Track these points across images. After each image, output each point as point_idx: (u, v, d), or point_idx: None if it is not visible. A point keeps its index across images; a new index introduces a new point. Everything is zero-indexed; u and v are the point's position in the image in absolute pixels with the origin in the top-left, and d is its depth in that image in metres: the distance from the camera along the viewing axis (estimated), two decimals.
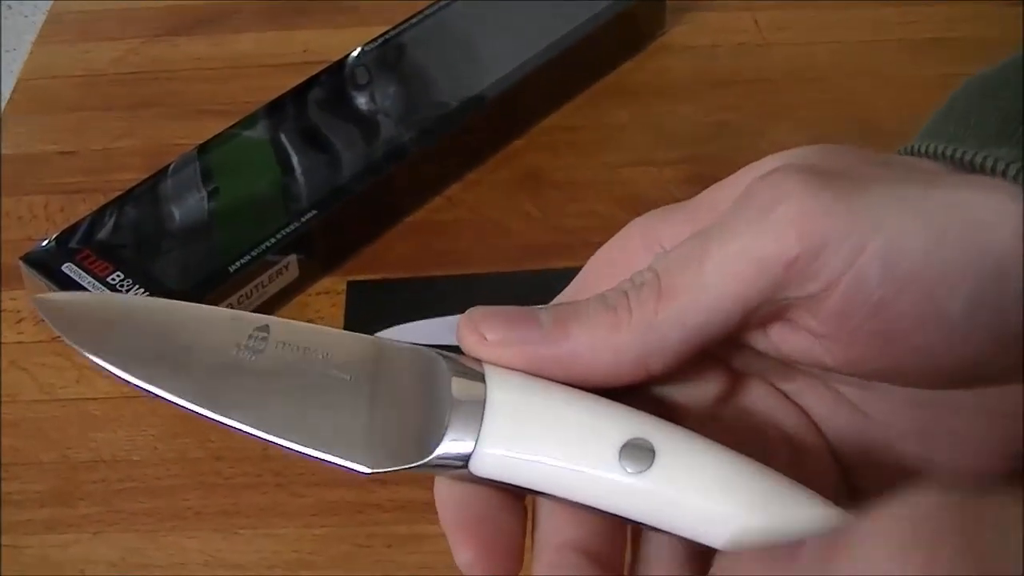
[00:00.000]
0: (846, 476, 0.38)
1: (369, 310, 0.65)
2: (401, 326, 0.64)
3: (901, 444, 0.37)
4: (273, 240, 0.64)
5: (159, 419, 0.61)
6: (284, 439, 0.34)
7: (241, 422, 0.34)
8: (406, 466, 0.34)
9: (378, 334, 0.63)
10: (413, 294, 0.66)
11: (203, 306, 0.37)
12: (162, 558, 0.57)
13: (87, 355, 0.35)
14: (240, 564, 0.57)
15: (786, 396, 0.39)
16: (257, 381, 0.35)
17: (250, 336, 0.35)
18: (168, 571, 0.57)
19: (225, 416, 0.34)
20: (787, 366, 0.37)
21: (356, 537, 0.57)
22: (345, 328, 0.63)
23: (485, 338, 0.35)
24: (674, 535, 0.34)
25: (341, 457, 0.34)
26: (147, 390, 0.34)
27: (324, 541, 0.57)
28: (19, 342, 0.66)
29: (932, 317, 0.33)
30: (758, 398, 0.38)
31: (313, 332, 0.36)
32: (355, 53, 0.74)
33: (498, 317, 0.36)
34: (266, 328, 0.35)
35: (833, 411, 0.38)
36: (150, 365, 0.35)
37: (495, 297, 0.64)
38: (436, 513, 0.36)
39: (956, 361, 0.34)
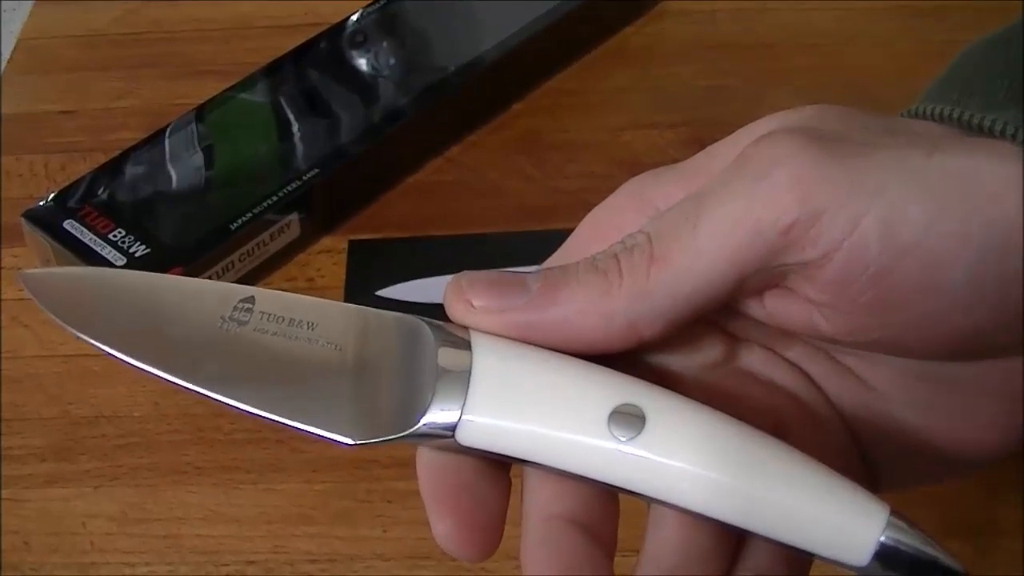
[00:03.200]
0: (856, 441, 0.37)
1: (370, 269, 0.65)
2: (401, 284, 0.64)
3: (902, 414, 0.37)
4: (274, 199, 0.64)
5: None
6: (267, 411, 0.34)
7: (223, 395, 0.34)
8: (391, 437, 0.33)
9: (378, 292, 0.63)
10: (413, 253, 0.66)
11: (189, 279, 0.36)
12: (162, 512, 0.58)
13: (70, 330, 0.34)
14: (240, 519, 0.57)
15: (787, 361, 0.37)
16: (241, 353, 0.34)
17: (235, 307, 0.35)
18: (168, 525, 0.57)
19: (207, 389, 0.34)
20: (786, 334, 0.36)
21: (356, 493, 0.58)
22: (346, 286, 0.64)
23: (472, 305, 0.34)
24: (665, 504, 0.33)
25: (324, 429, 0.33)
26: (130, 364, 0.34)
27: (324, 496, 0.58)
28: (20, 299, 0.66)
29: (933, 288, 0.32)
30: (759, 362, 0.37)
31: (299, 303, 0.35)
32: (355, 16, 0.74)
33: (485, 283, 0.35)
34: (251, 299, 0.35)
35: (834, 379, 0.37)
36: (133, 338, 0.34)
37: (494, 256, 0.65)
38: None
39: (957, 333, 0.33)
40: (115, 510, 0.58)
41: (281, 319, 0.35)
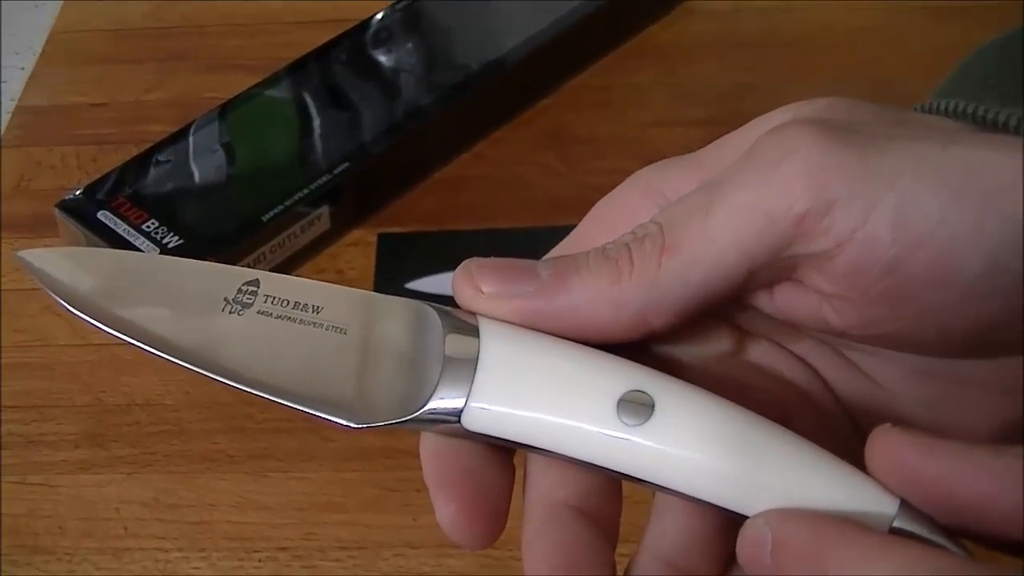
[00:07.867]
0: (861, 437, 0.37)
1: (398, 261, 0.66)
2: (430, 277, 0.64)
3: (907, 410, 0.37)
4: (305, 191, 0.65)
5: None
6: (267, 392, 0.33)
7: (224, 376, 0.33)
8: (396, 420, 0.33)
9: (407, 285, 0.64)
10: (441, 246, 0.67)
11: (193, 260, 0.36)
12: (194, 499, 0.58)
13: (68, 308, 0.34)
14: (270, 507, 0.58)
15: (794, 355, 0.38)
16: (244, 334, 0.34)
17: (239, 290, 0.35)
18: (200, 512, 0.58)
19: (207, 370, 0.33)
20: (794, 328, 0.36)
21: (386, 481, 0.58)
22: (375, 278, 0.65)
23: (480, 291, 0.35)
24: (671, 492, 0.33)
25: (326, 412, 0.33)
26: (130, 343, 0.34)
27: (354, 485, 0.58)
28: None
29: (946, 280, 0.32)
30: (766, 356, 0.37)
31: (304, 286, 0.35)
32: (380, 14, 0.75)
33: (494, 269, 0.35)
34: (256, 282, 0.35)
35: (842, 374, 0.37)
36: (133, 318, 0.34)
37: (522, 250, 0.65)
38: None
39: (969, 327, 0.33)
40: (148, 496, 0.59)
41: (286, 302, 0.35)
